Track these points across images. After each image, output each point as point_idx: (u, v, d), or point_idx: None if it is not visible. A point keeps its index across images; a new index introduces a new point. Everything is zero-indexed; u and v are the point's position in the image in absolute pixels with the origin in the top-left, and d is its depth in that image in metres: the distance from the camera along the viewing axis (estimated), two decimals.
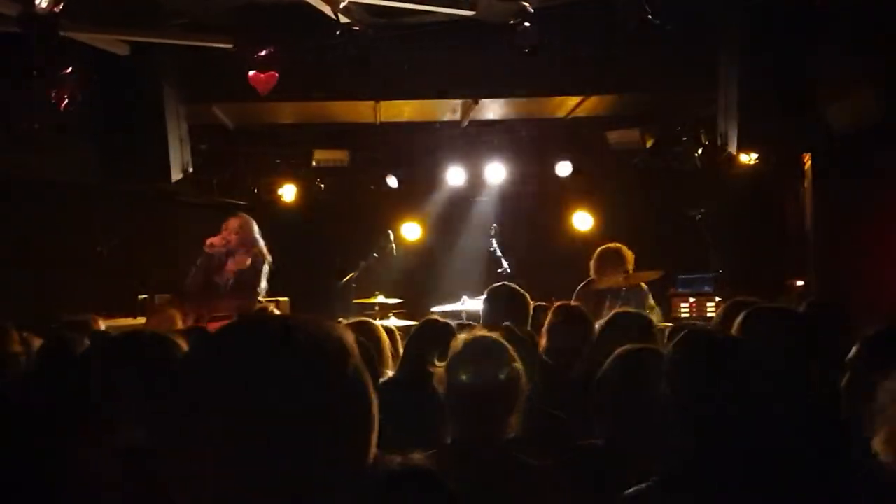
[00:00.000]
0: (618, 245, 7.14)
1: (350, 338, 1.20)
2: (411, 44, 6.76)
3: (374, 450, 1.19)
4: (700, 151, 8.60)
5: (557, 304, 4.69)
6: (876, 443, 1.95)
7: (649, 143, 8.95)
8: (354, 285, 8.55)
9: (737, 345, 2.49)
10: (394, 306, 8.46)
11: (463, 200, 10.33)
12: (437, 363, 2.77)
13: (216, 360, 1.14)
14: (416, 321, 4.89)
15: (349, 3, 5.71)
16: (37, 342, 4.00)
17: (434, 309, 7.92)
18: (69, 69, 5.82)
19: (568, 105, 8.03)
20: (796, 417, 2.77)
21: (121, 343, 2.29)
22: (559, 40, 6.43)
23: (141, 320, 7.37)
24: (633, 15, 5.70)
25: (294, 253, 8.71)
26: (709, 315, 8.21)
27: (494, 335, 2.78)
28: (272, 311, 5.38)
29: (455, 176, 9.54)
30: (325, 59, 6.48)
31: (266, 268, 6.77)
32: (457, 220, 10.44)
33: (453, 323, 4.09)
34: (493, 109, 8.24)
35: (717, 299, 8.19)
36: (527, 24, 5.79)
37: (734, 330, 3.08)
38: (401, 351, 4.19)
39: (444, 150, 9.57)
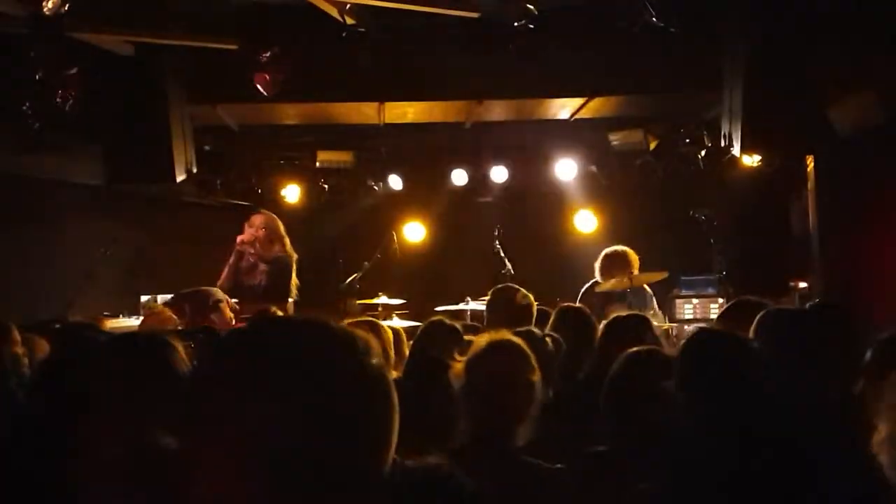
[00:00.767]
0: (623, 248, 7.16)
1: (373, 340, 1.20)
2: (415, 45, 6.77)
3: (393, 451, 1.19)
4: (703, 153, 8.59)
5: (561, 305, 4.70)
6: (875, 441, 1.94)
7: (653, 145, 8.95)
8: (358, 286, 8.56)
9: (748, 346, 2.49)
10: (397, 307, 8.47)
11: (466, 201, 10.33)
12: (458, 357, 2.77)
13: (242, 361, 1.14)
14: (420, 322, 4.89)
15: (353, 4, 5.71)
16: (39, 343, 4.01)
17: (437, 309, 7.92)
18: (74, 69, 5.84)
19: (571, 106, 8.03)
20: (807, 422, 2.77)
21: (117, 343, 2.29)
22: (563, 42, 6.44)
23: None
24: (637, 17, 5.71)
25: (297, 253, 8.70)
26: (712, 316, 8.22)
27: (518, 340, 2.79)
28: (275, 312, 5.37)
29: (458, 177, 9.54)
30: (329, 61, 6.49)
31: (294, 266, 6.90)
32: (460, 222, 10.43)
33: (458, 324, 4.09)
34: (496, 111, 8.24)
35: (721, 300, 8.19)
36: (530, 26, 5.80)
37: (750, 332, 3.08)
38: (405, 351, 4.20)
39: (447, 151, 9.58)
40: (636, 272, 6.97)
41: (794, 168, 8.34)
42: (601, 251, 7.29)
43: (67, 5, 5.13)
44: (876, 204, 7.37)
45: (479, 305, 7.76)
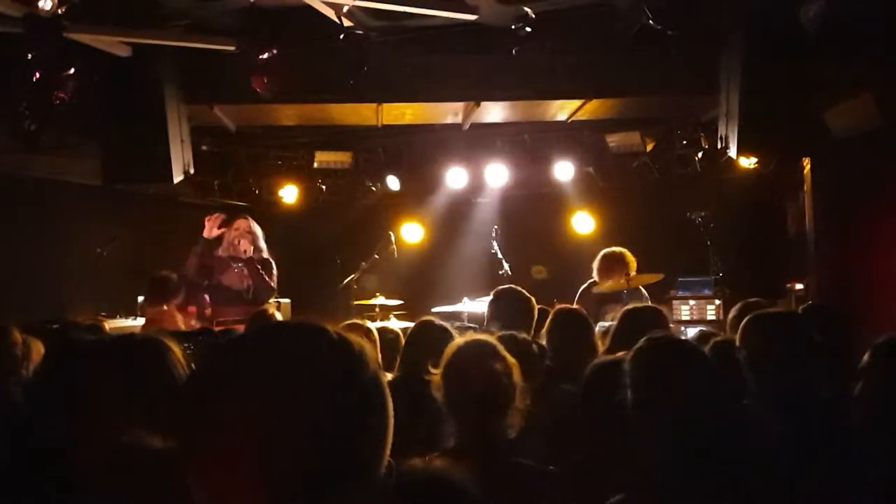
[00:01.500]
0: (621, 249, 7.17)
1: (368, 345, 1.21)
2: (413, 47, 6.77)
3: (387, 456, 1.20)
4: (700, 155, 8.61)
5: (558, 307, 4.70)
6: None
7: (650, 147, 8.96)
8: (355, 286, 8.57)
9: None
10: (394, 307, 8.48)
11: (464, 203, 10.34)
12: (433, 370, 2.78)
13: (240, 366, 1.15)
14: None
15: (352, 6, 5.72)
16: (37, 344, 4.01)
17: (435, 310, 7.93)
18: (71, 70, 5.84)
19: (569, 108, 8.04)
20: (795, 423, 2.78)
21: (112, 345, 2.30)
22: (560, 44, 6.45)
23: (142, 322, 7.39)
24: (635, 20, 5.72)
25: (295, 254, 8.73)
26: (709, 318, 8.24)
27: (485, 337, 2.80)
28: (272, 314, 5.38)
29: (456, 178, 9.55)
30: (327, 62, 6.49)
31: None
32: (458, 223, 10.45)
33: (450, 325, 4.10)
34: (494, 112, 8.24)
35: (717, 302, 8.21)
36: (528, 28, 5.81)
37: (737, 338, 3.09)
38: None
39: (445, 152, 9.58)
40: (633, 273, 6.99)
41: (791, 170, 8.37)
42: (598, 252, 7.31)
43: (64, 6, 5.14)
44: (872, 206, 7.40)
45: (476, 306, 7.77)
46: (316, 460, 1.10)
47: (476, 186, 9.86)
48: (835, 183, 7.59)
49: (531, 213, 10.05)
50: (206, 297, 7.04)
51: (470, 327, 5.25)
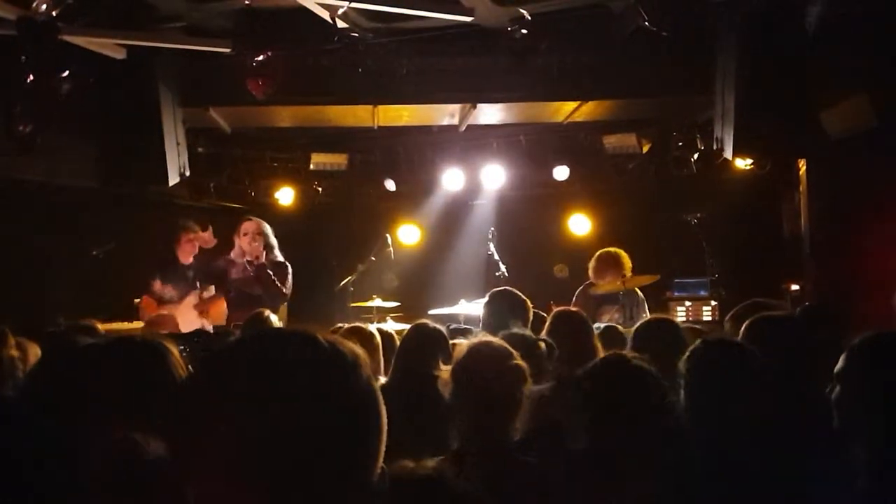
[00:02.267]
0: (616, 249, 7.18)
1: (360, 350, 1.21)
2: (409, 48, 6.78)
3: (381, 460, 1.20)
4: (696, 156, 8.63)
5: (557, 309, 4.70)
6: None
7: (646, 148, 8.97)
8: (352, 289, 8.56)
9: (751, 355, 2.49)
10: (391, 310, 8.47)
11: (460, 204, 10.34)
12: (442, 367, 2.79)
13: (235, 372, 1.15)
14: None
15: (347, 8, 5.72)
16: (32, 347, 4.00)
17: (431, 312, 7.93)
18: (66, 73, 5.83)
19: (565, 110, 8.05)
20: (796, 427, 2.78)
21: (111, 347, 2.30)
22: (556, 46, 6.46)
23: (138, 325, 7.38)
24: (630, 21, 5.73)
25: (291, 256, 8.70)
26: (704, 319, 8.25)
27: (497, 340, 2.81)
28: (267, 316, 5.38)
29: (453, 180, 9.55)
30: (322, 64, 6.50)
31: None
32: (454, 224, 10.44)
33: (444, 327, 4.10)
34: (490, 114, 8.25)
35: (713, 303, 8.22)
36: (523, 30, 5.81)
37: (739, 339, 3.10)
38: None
39: (441, 154, 9.59)
40: (628, 274, 7.00)
41: (786, 171, 8.38)
42: (594, 254, 7.31)
43: (59, 8, 5.13)
44: (867, 207, 7.41)
45: (473, 308, 7.77)
46: (310, 466, 1.10)
47: (472, 188, 9.86)
48: (830, 184, 7.60)
49: (527, 214, 10.05)
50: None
51: (465, 329, 5.23)
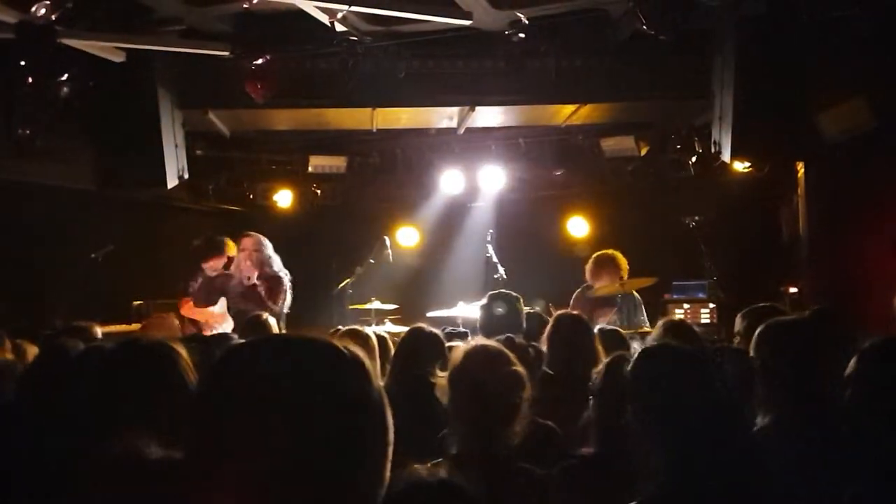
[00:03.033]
0: (613, 252, 7.18)
1: (367, 359, 1.22)
2: (407, 52, 6.78)
3: (389, 466, 1.21)
4: (694, 159, 8.64)
5: (558, 312, 4.71)
6: None
7: (644, 151, 8.98)
8: (350, 291, 8.55)
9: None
10: (389, 312, 8.47)
11: (459, 207, 10.34)
12: (439, 373, 2.78)
13: (244, 378, 1.15)
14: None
15: (346, 12, 5.73)
16: (30, 350, 4.01)
17: (429, 315, 7.93)
18: (65, 76, 5.84)
19: (563, 113, 8.06)
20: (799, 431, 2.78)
21: (121, 350, 2.29)
22: (555, 49, 6.47)
23: (136, 327, 7.38)
24: (628, 25, 5.74)
25: (290, 259, 8.69)
26: (703, 321, 8.24)
27: (495, 344, 2.80)
28: (266, 319, 5.38)
29: (451, 182, 9.56)
30: (321, 67, 6.51)
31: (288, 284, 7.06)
32: (453, 227, 10.44)
33: (440, 330, 4.10)
34: (489, 117, 8.26)
35: (711, 305, 8.22)
36: (521, 33, 5.83)
37: (751, 347, 3.10)
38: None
39: (440, 156, 9.60)
40: (625, 276, 7.00)
41: (784, 174, 8.39)
42: (592, 256, 7.31)
43: (58, 12, 5.14)
44: (865, 209, 7.42)
45: (471, 310, 7.77)
46: (323, 474, 1.10)
47: (471, 190, 9.87)
48: (828, 186, 7.61)
49: (526, 217, 10.05)
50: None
51: (462, 333, 5.25)
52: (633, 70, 6.82)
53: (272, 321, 5.36)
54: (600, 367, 2.99)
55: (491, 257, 8.22)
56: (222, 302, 7.27)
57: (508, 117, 8.42)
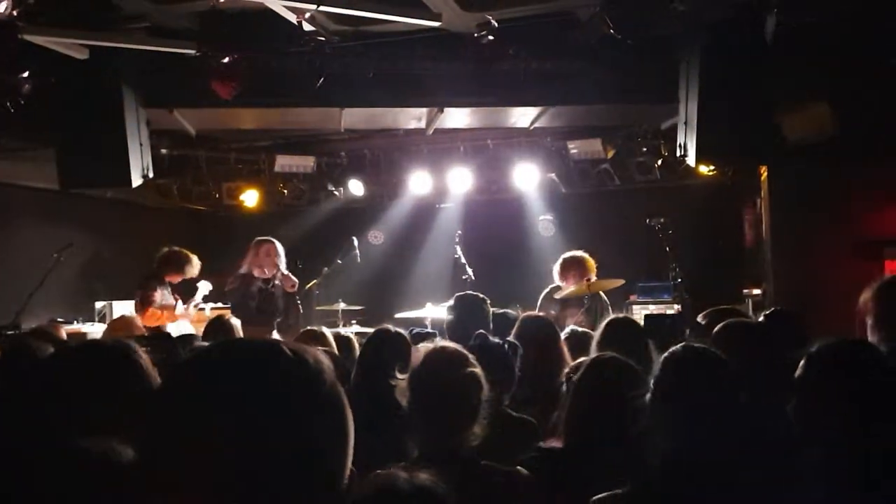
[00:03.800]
0: (581, 253, 7.22)
1: (325, 359, 1.21)
2: (376, 52, 6.76)
3: (349, 468, 1.20)
4: (660, 162, 8.73)
5: (524, 314, 4.73)
6: None
7: (610, 154, 9.06)
8: (317, 292, 8.52)
9: (725, 363, 2.53)
10: (356, 313, 8.45)
11: (427, 207, 10.35)
12: (399, 376, 2.78)
13: (199, 382, 1.16)
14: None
15: (314, 11, 5.70)
16: None
17: (398, 316, 7.92)
18: (27, 72, 5.74)
19: (531, 115, 8.09)
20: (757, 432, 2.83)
21: (84, 352, 2.27)
22: (523, 52, 6.49)
23: (100, 327, 7.29)
24: (596, 29, 5.78)
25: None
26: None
27: (452, 345, 2.81)
28: (227, 319, 5.36)
29: (420, 183, 9.56)
30: (288, 67, 6.46)
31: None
32: (421, 228, 10.45)
33: (407, 331, 4.10)
34: (457, 118, 8.26)
35: (676, 307, 8.31)
36: (490, 36, 5.84)
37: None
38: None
39: (408, 157, 9.60)
40: (593, 277, 7.04)
41: (748, 178, 8.51)
42: (560, 257, 7.35)
43: (19, 7, 5.05)
44: (827, 213, 7.55)
45: (439, 311, 7.77)
46: (278, 475, 1.11)
47: (439, 191, 9.88)
48: (791, 190, 7.73)
49: (494, 218, 10.09)
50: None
51: (429, 333, 5.24)
52: (601, 73, 6.86)
53: (236, 322, 5.32)
54: (585, 361, 3.06)
55: (459, 258, 8.23)
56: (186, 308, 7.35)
57: (477, 119, 8.43)
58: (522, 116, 8.18)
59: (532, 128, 8.51)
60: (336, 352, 4.31)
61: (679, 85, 6.64)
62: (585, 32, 6.12)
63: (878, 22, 5.91)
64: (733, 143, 6.23)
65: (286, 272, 7.42)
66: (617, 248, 8.42)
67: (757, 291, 8.45)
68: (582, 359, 3.34)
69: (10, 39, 5.40)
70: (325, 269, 8.53)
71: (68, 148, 6.71)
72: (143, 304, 7.10)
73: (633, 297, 9.00)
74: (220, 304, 8.46)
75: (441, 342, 2.88)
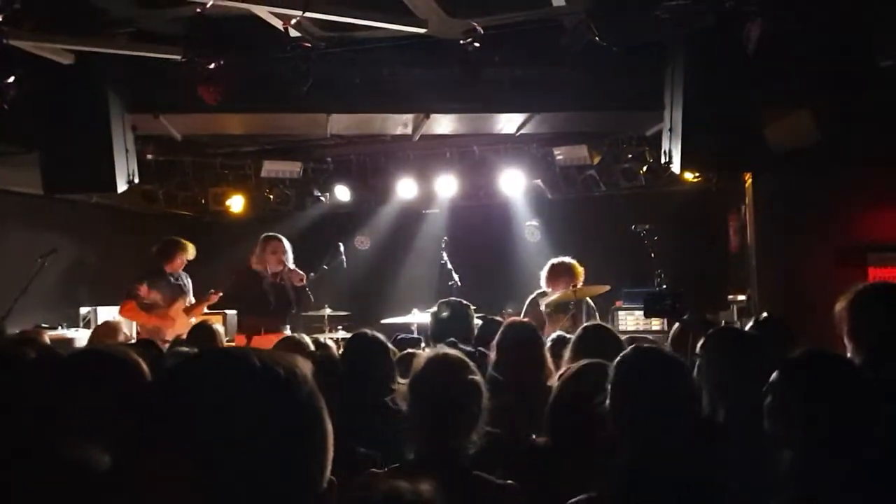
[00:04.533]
0: (569, 259, 7.25)
1: (304, 366, 1.22)
2: (363, 58, 6.77)
3: (328, 472, 1.21)
4: (645, 169, 8.77)
5: (508, 320, 4.75)
6: None
7: (596, 160, 9.09)
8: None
9: (679, 364, 2.57)
10: (342, 318, 8.44)
11: (414, 213, 10.36)
12: (399, 380, 2.80)
13: (180, 390, 1.16)
14: None
15: (300, 17, 5.70)
16: None
17: (384, 321, 7.92)
18: (12, 78, 5.71)
19: (517, 121, 8.12)
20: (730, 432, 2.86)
21: (76, 358, 2.27)
22: (509, 59, 6.51)
23: (84, 332, 7.25)
24: (582, 36, 5.81)
25: (242, 265, 8.62)
26: (654, 328, 8.37)
27: (456, 352, 2.83)
28: (211, 325, 5.35)
29: (406, 189, 9.57)
30: (275, 72, 6.46)
31: None
32: (408, 233, 10.46)
33: (394, 336, 4.11)
34: (444, 124, 8.28)
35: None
36: (476, 42, 5.86)
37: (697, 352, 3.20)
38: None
39: (395, 163, 9.60)
40: (580, 283, 7.07)
41: (733, 184, 8.56)
42: (546, 263, 7.38)
43: (5, 12, 5.03)
44: (811, 219, 7.61)
45: (425, 317, 7.78)
46: (256, 483, 1.11)
47: (426, 197, 9.89)
48: (775, 197, 7.79)
49: (480, 224, 10.11)
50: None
51: (414, 339, 5.26)
52: (587, 80, 6.89)
53: (220, 328, 5.32)
54: (576, 365, 3.08)
55: (445, 264, 8.24)
56: (178, 304, 7.31)
57: (463, 125, 8.45)
58: (508, 123, 8.20)
59: (518, 134, 8.54)
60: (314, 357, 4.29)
61: (664, 92, 6.68)
62: (571, 40, 6.15)
63: (859, 30, 5.96)
64: (717, 150, 6.26)
65: (293, 267, 7.42)
66: (602, 253, 8.45)
67: (742, 297, 8.50)
68: (570, 366, 3.36)
69: None
70: (311, 274, 8.50)
71: (53, 152, 6.67)
72: (126, 297, 7.12)
73: (618, 303, 9.03)
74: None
75: (442, 348, 2.89)
